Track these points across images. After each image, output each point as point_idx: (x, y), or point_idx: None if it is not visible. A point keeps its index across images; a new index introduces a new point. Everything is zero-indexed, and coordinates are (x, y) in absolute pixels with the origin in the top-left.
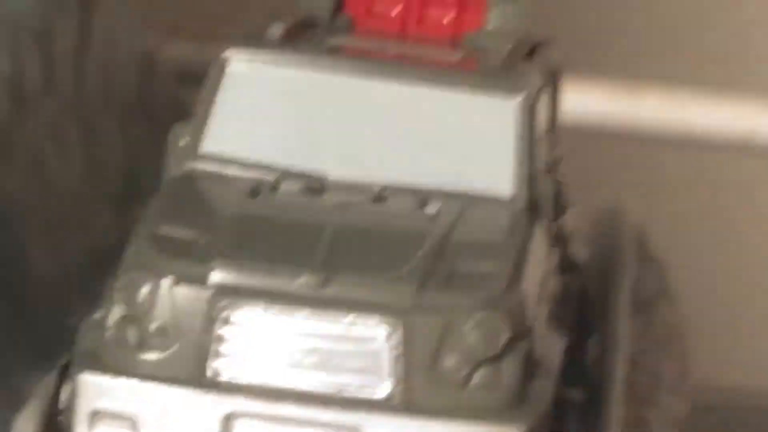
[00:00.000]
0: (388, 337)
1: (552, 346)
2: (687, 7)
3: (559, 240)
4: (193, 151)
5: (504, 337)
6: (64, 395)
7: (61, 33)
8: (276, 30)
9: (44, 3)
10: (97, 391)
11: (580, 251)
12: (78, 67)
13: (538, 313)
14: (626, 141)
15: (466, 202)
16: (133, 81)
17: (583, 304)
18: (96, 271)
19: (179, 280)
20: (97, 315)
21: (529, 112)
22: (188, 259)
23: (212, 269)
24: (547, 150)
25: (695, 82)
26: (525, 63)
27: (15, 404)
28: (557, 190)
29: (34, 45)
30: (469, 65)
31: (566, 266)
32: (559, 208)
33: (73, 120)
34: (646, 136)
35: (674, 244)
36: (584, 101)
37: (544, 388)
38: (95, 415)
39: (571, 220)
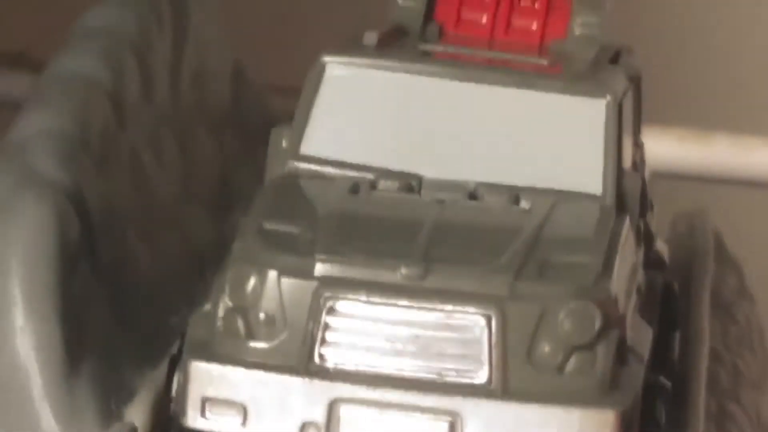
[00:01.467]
0: (486, 325)
1: (642, 335)
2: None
3: (644, 237)
4: (293, 152)
5: (597, 324)
6: (175, 384)
7: (157, 46)
8: (370, 37)
9: (142, 17)
10: (207, 378)
11: (663, 249)
12: (173, 79)
13: (628, 303)
14: (696, 184)
15: (556, 198)
16: (225, 91)
17: (667, 300)
18: (194, 274)
19: (285, 272)
20: (205, 308)
21: (616, 112)
22: (293, 253)
23: (317, 262)
24: (633, 150)
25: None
26: (610, 67)
27: (125, 398)
28: (643, 188)
29: (132, 57)
30: (557, 69)
31: (651, 263)
32: (645, 205)
33: (169, 129)
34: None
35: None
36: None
37: (636, 374)
38: (206, 402)
39: (654, 220)
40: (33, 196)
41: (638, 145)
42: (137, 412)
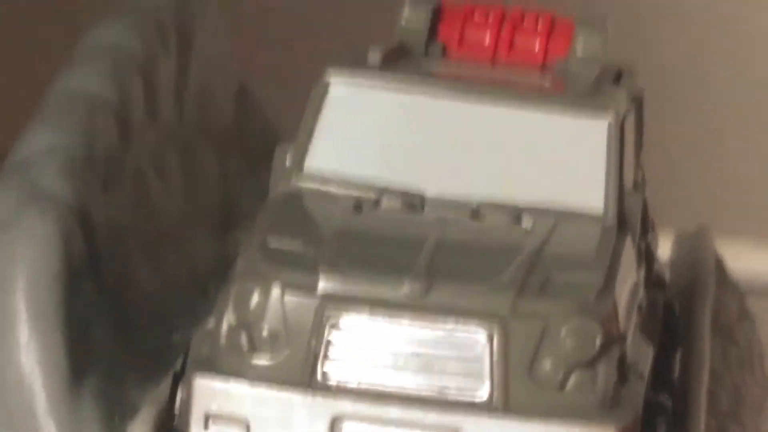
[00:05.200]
0: (488, 341)
1: (643, 353)
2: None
3: (645, 256)
4: (297, 169)
5: (598, 341)
6: (178, 400)
7: (162, 65)
8: (374, 56)
9: (147, 36)
10: (211, 394)
11: (664, 270)
12: (178, 99)
13: (629, 322)
14: None
15: (558, 217)
16: (229, 111)
17: (668, 320)
18: (197, 293)
19: (289, 288)
20: (209, 324)
21: (618, 132)
22: (297, 269)
23: (320, 278)
24: (634, 170)
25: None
26: (612, 87)
27: (128, 414)
28: (644, 208)
29: (137, 76)
30: (559, 89)
31: (652, 282)
32: (646, 225)
33: (173, 149)
34: None
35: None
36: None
37: (637, 391)
38: (209, 418)
39: (655, 240)
40: (38, 213)
41: (639, 165)
42: (140, 428)
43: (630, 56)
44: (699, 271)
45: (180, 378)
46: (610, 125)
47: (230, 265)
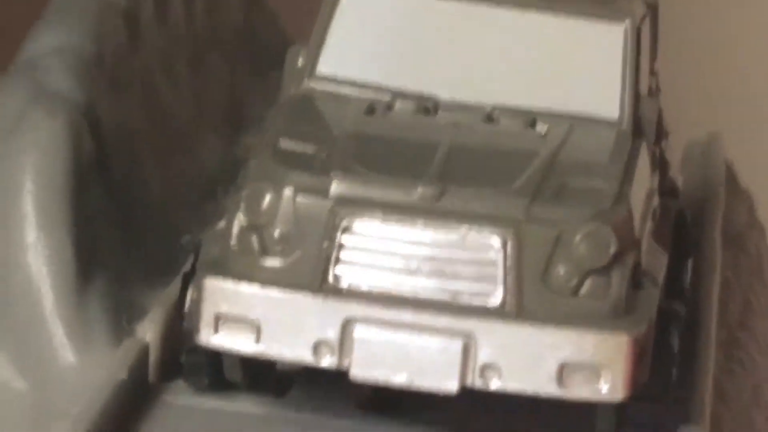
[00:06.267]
0: (501, 246)
1: (657, 260)
2: None
3: (659, 163)
4: (310, 71)
5: (612, 248)
6: (188, 301)
7: None
8: None
9: None
10: (221, 295)
11: (677, 177)
12: (187, 3)
13: (644, 228)
14: None
15: (573, 122)
16: (238, 15)
17: (680, 228)
18: (205, 197)
19: (301, 190)
20: (219, 226)
21: (635, 37)
22: (309, 171)
23: (332, 181)
24: (649, 77)
25: None
26: None
27: (136, 315)
28: (659, 115)
29: None
30: None
31: (666, 190)
32: (660, 132)
33: (183, 53)
34: None
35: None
36: None
37: (651, 299)
38: (219, 319)
39: (668, 147)
40: (45, 112)
41: (654, 72)
42: (149, 329)
43: None
44: (710, 179)
45: (190, 279)
46: (626, 30)
47: (239, 169)
